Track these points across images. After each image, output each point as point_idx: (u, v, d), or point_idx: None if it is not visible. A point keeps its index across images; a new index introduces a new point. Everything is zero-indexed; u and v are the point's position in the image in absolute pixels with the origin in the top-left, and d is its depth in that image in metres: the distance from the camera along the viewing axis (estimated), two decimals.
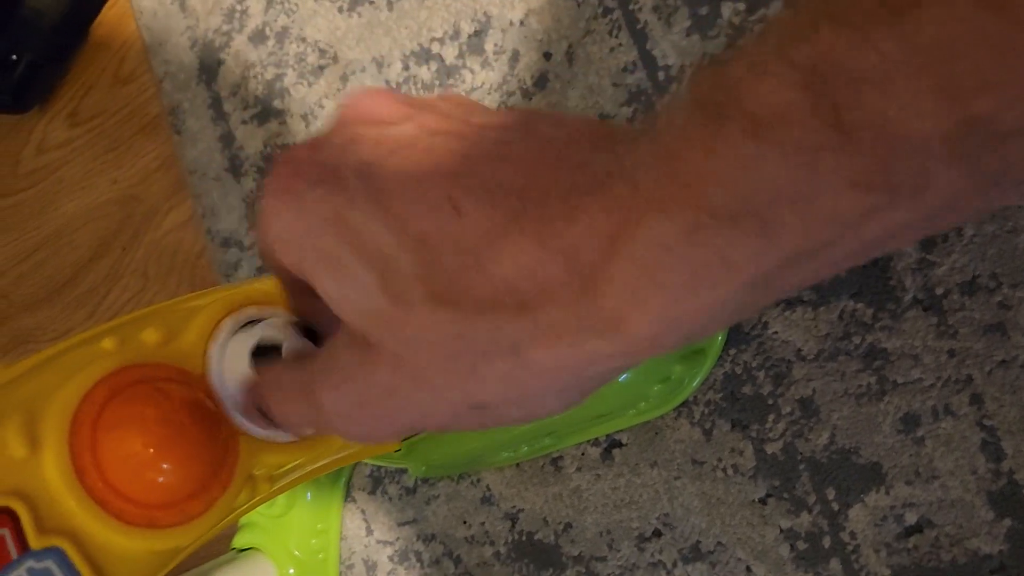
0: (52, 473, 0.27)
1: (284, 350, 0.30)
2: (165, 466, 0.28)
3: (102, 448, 0.28)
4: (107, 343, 0.31)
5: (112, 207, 0.73)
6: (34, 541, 0.26)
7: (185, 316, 0.32)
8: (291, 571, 0.59)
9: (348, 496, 0.59)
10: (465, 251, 0.21)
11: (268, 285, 0.34)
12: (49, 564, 0.26)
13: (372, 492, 0.58)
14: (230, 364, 0.31)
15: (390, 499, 0.57)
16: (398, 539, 0.57)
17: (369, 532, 0.58)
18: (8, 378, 0.28)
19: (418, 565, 0.56)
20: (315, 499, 0.59)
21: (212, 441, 0.29)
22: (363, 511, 0.58)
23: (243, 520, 0.60)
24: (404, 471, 0.56)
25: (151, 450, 0.28)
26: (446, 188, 0.21)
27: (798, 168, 0.17)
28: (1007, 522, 0.38)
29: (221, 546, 0.61)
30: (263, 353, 0.30)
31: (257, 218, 0.25)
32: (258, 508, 0.37)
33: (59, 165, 0.76)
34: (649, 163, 0.19)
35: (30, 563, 0.26)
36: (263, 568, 0.59)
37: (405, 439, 0.44)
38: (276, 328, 0.31)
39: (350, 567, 0.59)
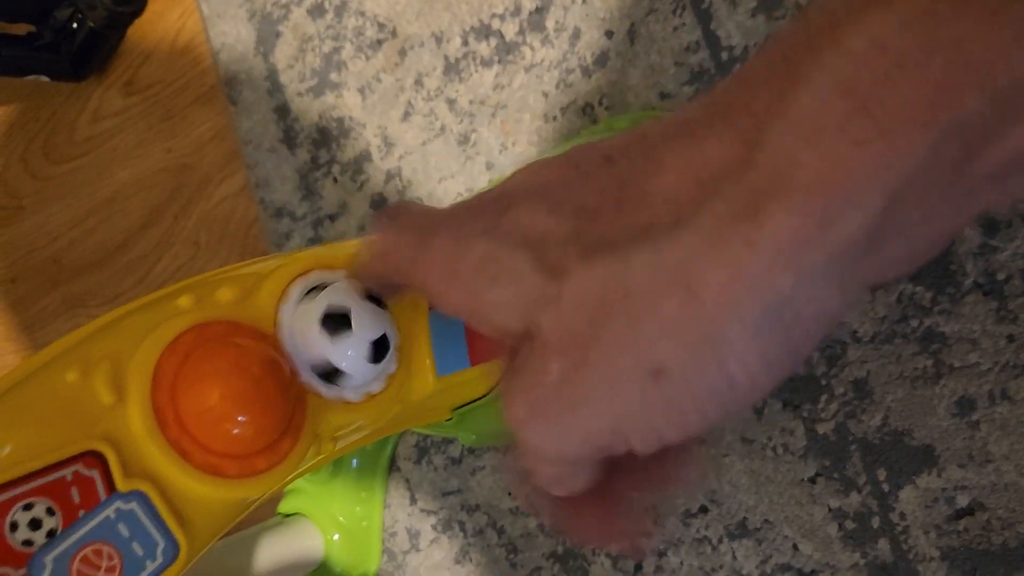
0: (136, 421, 0.28)
1: (353, 316, 0.31)
2: (241, 418, 0.29)
3: (182, 399, 0.29)
4: (184, 300, 0.31)
5: (165, 175, 0.74)
6: (121, 484, 0.27)
7: (256, 277, 0.33)
8: (335, 537, 0.60)
9: (393, 465, 0.60)
10: (620, 183, 0.19)
11: (334, 251, 0.35)
12: (134, 506, 0.27)
13: (417, 462, 0.58)
14: (300, 326, 0.32)
15: (435, 469, 0.58)
16: (442, 509, 0.58)
17: (413, 501, 0.59)
18: (93, 329, 0.29)
19: (461, 535, 0.57)
20: (360, 467, 0.60)
21: (284, 397, 0.30)
22: (407, 480, 0.59)
23: (289, 486, 0.61)
24: (451, 441, 0.57)
25: (228, 402, 0.28)
26: (601, 151, 0.20)
27: None
28: None
29: (267, 511, 0.62)
30: (331, 319, 0.31)
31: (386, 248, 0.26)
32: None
33: (114, 133, 0.77)
34: None
35: (118, 504, 0.27)
36: (308, 533, 0.60)
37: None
38: (342, 294, 0.32)
39: (393, 535, 0.60)
